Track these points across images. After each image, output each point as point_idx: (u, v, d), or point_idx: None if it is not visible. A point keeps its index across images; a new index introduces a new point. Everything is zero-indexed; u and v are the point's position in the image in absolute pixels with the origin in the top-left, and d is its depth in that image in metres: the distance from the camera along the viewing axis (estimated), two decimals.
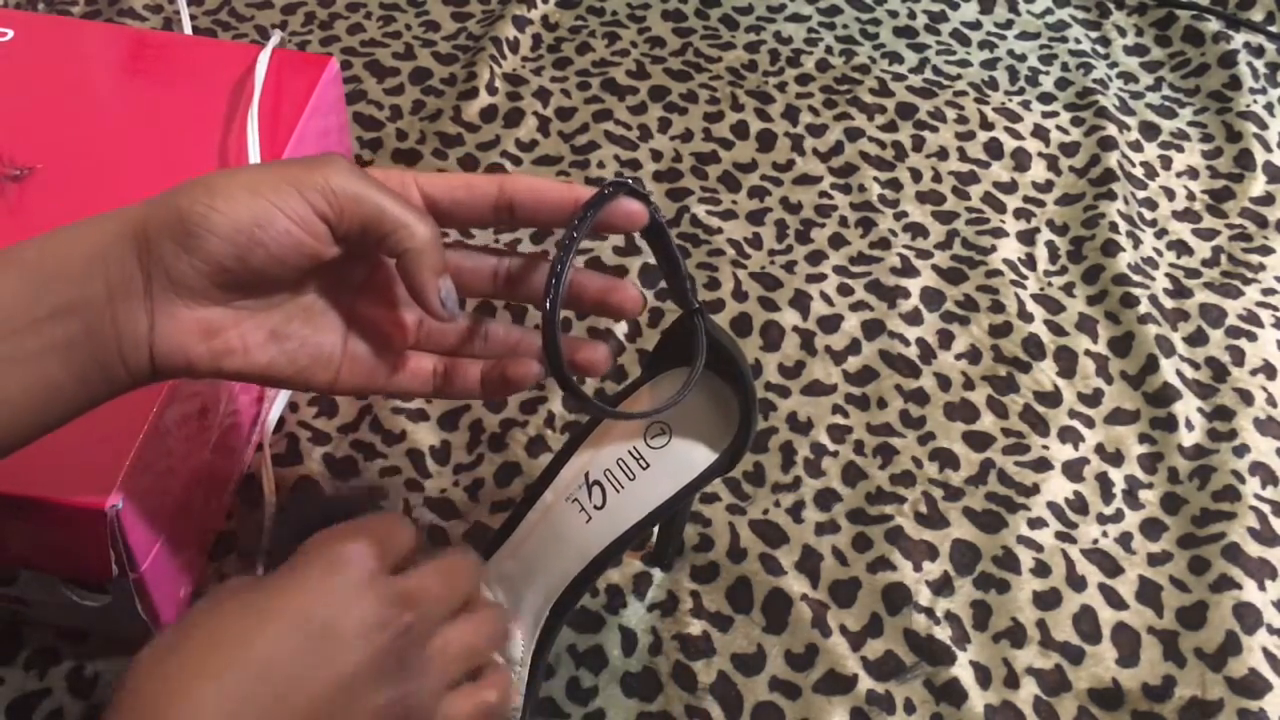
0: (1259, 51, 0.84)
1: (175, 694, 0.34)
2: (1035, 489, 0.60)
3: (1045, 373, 0.65)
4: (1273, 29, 0.85)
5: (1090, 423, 0.63)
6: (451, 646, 0.40)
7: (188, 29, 0.75)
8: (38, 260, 0.38)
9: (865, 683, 0.53)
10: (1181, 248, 0.72)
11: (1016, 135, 0.78)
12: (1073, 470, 0.61)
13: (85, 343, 0.37)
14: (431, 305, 0.41)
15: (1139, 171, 0.76)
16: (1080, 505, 0.60)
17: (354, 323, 0.44)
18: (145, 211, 0.38)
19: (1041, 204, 0.74)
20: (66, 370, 0.37)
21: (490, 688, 0.42)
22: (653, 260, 0.45)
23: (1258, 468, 0.61)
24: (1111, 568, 0.57)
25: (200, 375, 0.40)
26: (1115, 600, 0.56)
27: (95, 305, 0.37)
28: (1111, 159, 0.75)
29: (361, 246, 0.40)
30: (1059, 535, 0.58)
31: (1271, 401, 0.64)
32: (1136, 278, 0.69)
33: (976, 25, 0.86)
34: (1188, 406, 0.63)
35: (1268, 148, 0.77)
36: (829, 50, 0.83)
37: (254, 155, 0.54)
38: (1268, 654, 0.54)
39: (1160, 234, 0.73)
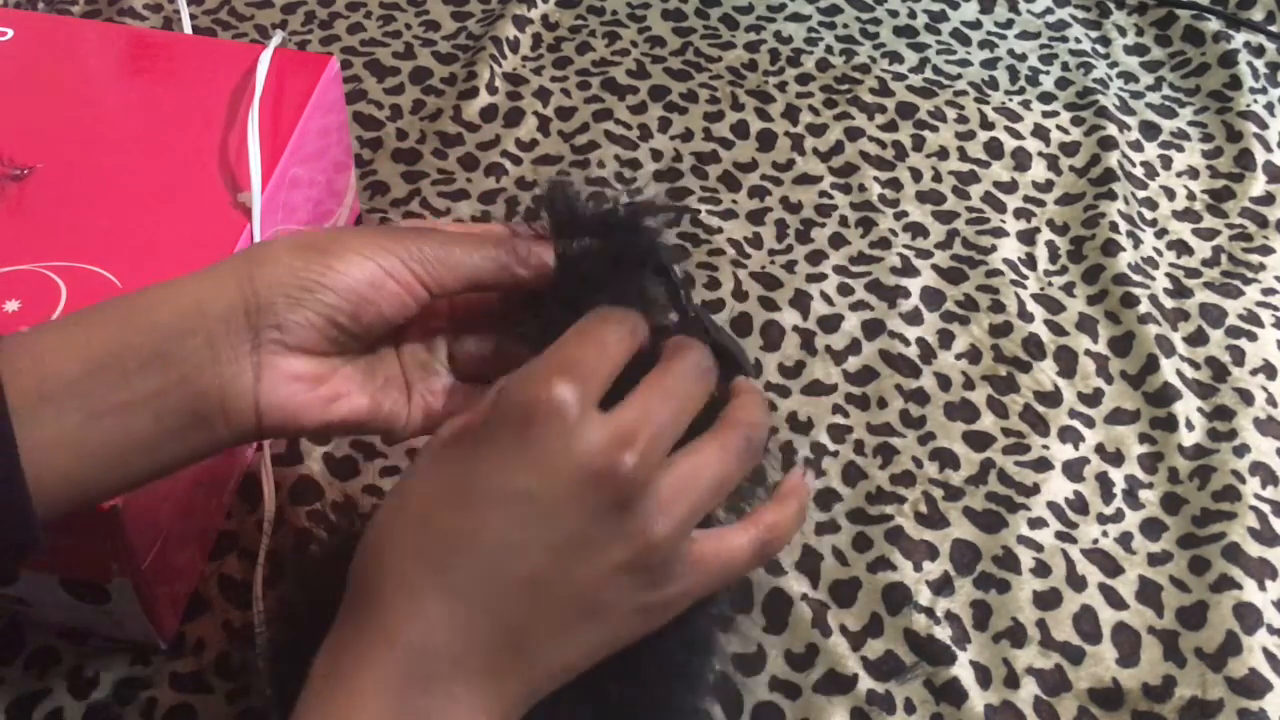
0: (1259, 51, 0.84)
1: (399, 591, 0.35)
2: (1035, 489, 0.60)
3: (1045, 373, 0.65)
4: (1273, 29, 0.85)
5: (1090, 423, 0.63)
6: (691, 480, 0.37)
7: (188, 29, 0.75)
8: (129, 314, 0.38)
9: (865, 683, 0.53)
10: (1182, 247, 0.72)
11: (1016, 135, 0.78)
12: (1073, 470, 0.61)
13: (180, 396, 0.37)
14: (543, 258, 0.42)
15: (1139, 171, 0.76)
16: (1080, 505, 0.60)
17: (408, 359, 0.45)
18: (249, 269, 0.39)
19: (1042, 204, 0.74)
20: (157, 423, 0.37)
21: (747, 528, 0.38)
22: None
23: (1258, 468, 0.61)
24: (1112, 568, 0.57)
25: (305, 425, 0.40)
26: (1115, 600, 0.56)
27: (194, 359, 0.37)
28: (1112, 159, 0.75)
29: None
30: (1059, 535, 0.58)
31: (1272, 401, 0.64)
32: (1137, 277, 0.69)
33: (976, 25, 0.86)
34: (1188, 406, 0.63)
35: (1268, 148, 0.77)
36: (829, 50, 0.83)
37: (254, 155, 0.54)
38: (1268, 654, 0.54)
39: (1160, 234, 0.73)
